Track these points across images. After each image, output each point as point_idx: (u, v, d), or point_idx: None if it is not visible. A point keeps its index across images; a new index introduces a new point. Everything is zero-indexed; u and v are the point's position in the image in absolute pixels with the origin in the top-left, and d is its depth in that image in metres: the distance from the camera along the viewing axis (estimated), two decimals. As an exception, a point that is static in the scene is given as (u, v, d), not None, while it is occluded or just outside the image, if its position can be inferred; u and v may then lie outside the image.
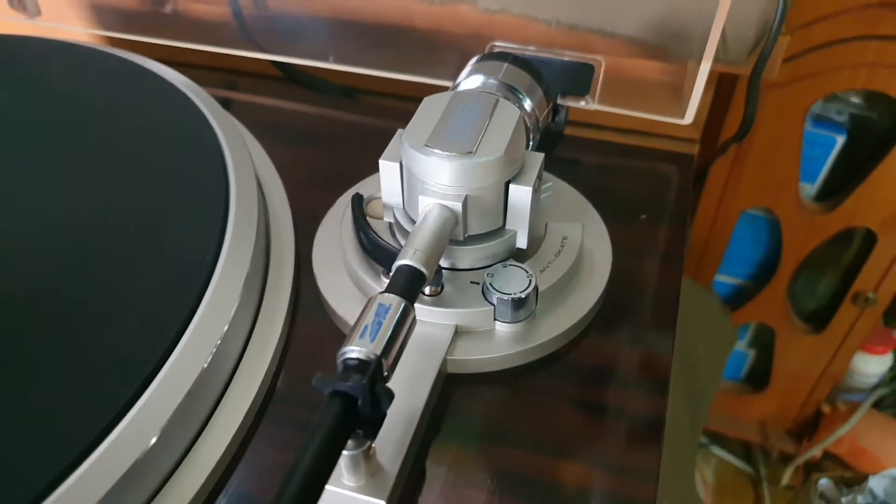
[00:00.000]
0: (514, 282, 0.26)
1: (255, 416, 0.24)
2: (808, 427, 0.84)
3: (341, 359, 0.20)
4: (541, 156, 0.27)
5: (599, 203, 0.32)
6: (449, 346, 0.25)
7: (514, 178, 0.25)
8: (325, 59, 0.42)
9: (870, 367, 0.81)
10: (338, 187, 0.32)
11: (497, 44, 0.38)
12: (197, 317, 0.23)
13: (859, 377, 0.82)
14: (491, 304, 0.26)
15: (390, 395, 0.19)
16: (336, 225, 0.30)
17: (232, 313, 0.24)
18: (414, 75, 0.40)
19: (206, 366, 0.23)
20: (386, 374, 0.20)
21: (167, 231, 0.27)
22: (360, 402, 0.18)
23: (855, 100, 0.62)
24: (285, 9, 0.45)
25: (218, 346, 0.23)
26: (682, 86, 0.34)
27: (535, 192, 0.26)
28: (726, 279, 0.76)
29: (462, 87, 0.29)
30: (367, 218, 0.28)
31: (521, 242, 0.27)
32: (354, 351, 0.20)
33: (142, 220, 0.27)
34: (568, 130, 0.36)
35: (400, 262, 0.23)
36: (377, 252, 0.26)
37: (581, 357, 0.27)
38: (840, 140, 0.64)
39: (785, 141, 0.60)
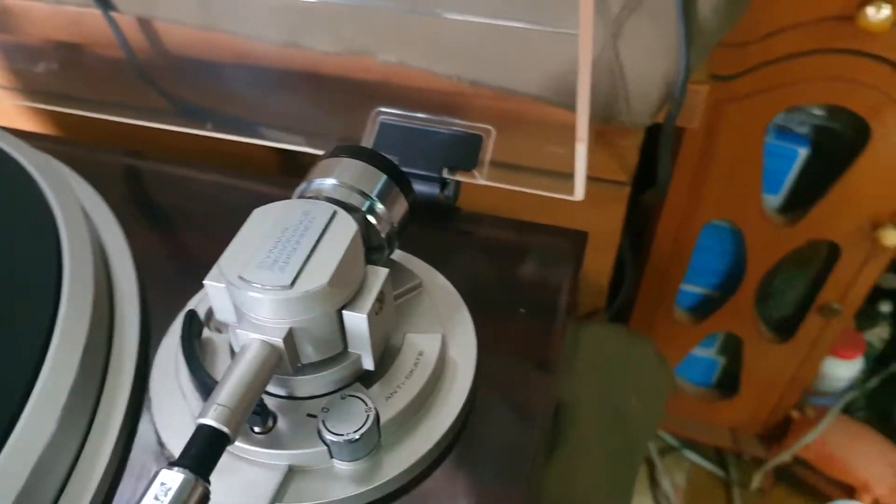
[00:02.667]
0: (351, 418, 0.24)
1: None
2: (779, 432, 0.82)
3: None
4: (384, 273, 0.24)
5: (479, 294, 0.29)
6: (279, 490, 0.23)
7: (349, 304, 0.23)
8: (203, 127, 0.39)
9: (840, 371, 0.79)
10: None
11: (382, 110, 0.35)
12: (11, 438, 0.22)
13: (830, 381, 0.80)
14: (325, 444, 0.24)
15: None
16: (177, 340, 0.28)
17: (49, 436, 0.22)
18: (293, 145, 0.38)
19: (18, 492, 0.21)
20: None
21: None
22: None
23: (817, 111, 0.59)
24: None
25: (32, 469, 0.21)
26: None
27: (377, 314, 0.24)
28: (692, 289, 0.74)
29: (302, 192, 0.27)
30: (208, 335, 0.26)
31: (368, 364, 0.25)
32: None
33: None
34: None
35: (199, 420, 0.21)
36: (203, 387, 0.24)
37: (433, 489, 0.25)
38: (803, 152, 0.60)
39: (747, 154, 0.58)
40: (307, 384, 0.24)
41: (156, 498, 0.19)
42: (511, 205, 0.34)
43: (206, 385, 0.24)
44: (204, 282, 0.24)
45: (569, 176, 0.32)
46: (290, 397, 0.25)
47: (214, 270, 0.24)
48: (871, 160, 0.55)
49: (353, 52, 0.40)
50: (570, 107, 0.31)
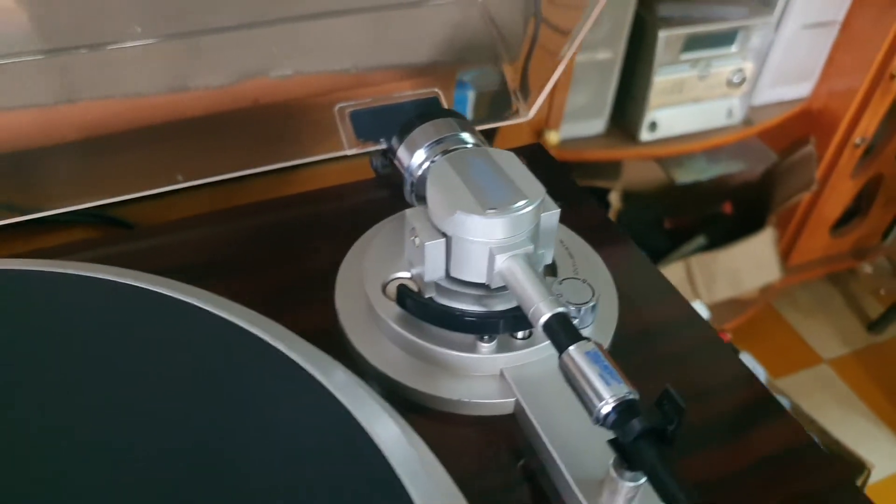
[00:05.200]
0: (578, 293, 0.29)
1: None
2: None
3: (611, 411, 0.22)
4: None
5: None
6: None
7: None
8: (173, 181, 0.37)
9: None
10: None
11: (342, 105, 0.38)
12: None
13: None
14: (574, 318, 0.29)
15: (679, 408, 0.22)
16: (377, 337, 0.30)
17: None
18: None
19: None
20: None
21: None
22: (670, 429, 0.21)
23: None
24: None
25: None
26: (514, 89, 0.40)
27: None
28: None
29: (437, 151, 0.30)
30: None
31: (549, 259, 0.30)
32: (614, 399, 0.22)
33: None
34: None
35: (543, 319, 0.25)
36: (470, 324, 0.27)
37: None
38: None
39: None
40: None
41: (595, 362, 0.23)
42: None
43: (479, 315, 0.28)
44: (426, 244, 0.27)
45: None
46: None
47: (418, 231, 0.27)
48: None
49: (246, 77, 0.41)
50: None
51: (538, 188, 0.27)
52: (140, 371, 0.25)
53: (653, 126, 1.04)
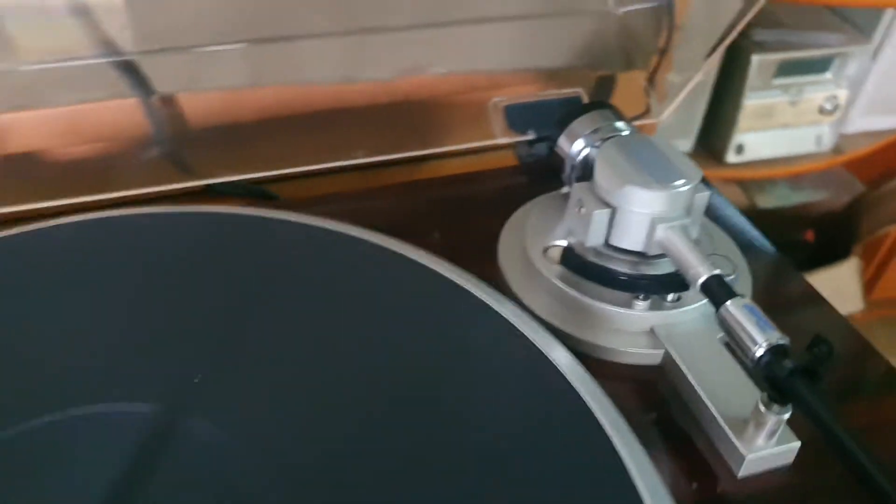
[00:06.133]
0: (720, 266, 0.33)
1: None
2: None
3: (765, 353, 0.26)
4: None
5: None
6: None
7: None
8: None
9: None
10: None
11: (497, 99, 0.43)
12: None
13: None
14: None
15: (829, 350, 0.25)
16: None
17: None
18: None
19: None
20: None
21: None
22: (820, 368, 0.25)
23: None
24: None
25: None
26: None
27: None
28: None
29: (595, 138, 0.35)
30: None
31: (695, 235, 0.34)
32: (768, 343, 0.26)
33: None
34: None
35: (702, 279, 0.29)
36: (631, 283, 0.32)
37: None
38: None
39: None
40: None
41: (751, 314, 0.27)
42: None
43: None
44: (594, 213, 0.31)
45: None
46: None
47: (583, 203, 0.31)
48: None
49: (405, 72, 0.47)
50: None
51: (696, 171, 0.31)
52: (358, 301, 0.30)
53: (740, 149, 1.06)
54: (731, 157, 1.08)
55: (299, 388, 0.26)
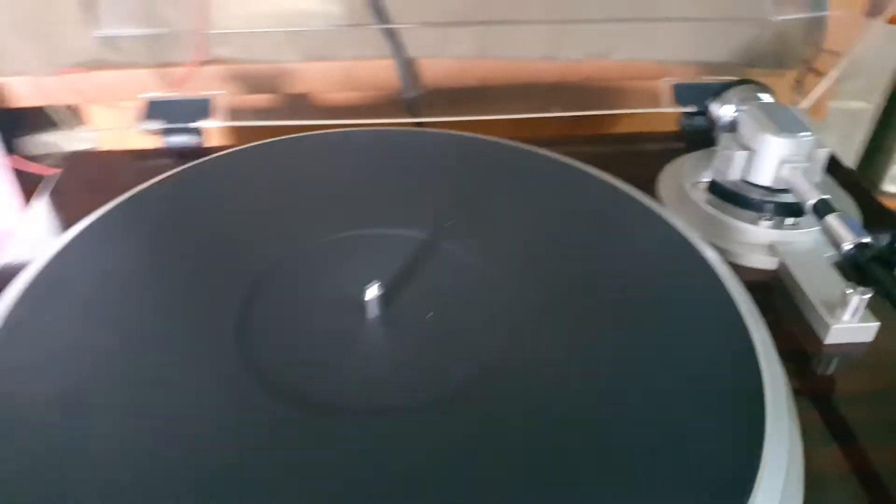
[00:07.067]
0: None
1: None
2: None
3: (853, 248, 0.36)
4: None
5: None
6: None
7: None
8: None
9: None
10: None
11: (667, 79, 0.55)
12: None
13: None
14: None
15: None
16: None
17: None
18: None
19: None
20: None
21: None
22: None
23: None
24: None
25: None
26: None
27: None
28: None
29: (752, 106, 0.46)
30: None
31: (816, 179, 0.44)
32: (855, 239, 0.36)
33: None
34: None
35: (813, 201, 0.39)
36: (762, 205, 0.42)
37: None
38: None
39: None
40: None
41: (845, 223, 0.37)
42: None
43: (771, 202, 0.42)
44: (735, 154, 0.42)
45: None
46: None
47: (725, 146, 0.42)
48: None
49: (594, 56, 0.59)
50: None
51: (816, 130, 0.41)
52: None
53: (897, 179, 1.10)
54: (888, 186, 1.11)
55: (522, 247, 0.39)
